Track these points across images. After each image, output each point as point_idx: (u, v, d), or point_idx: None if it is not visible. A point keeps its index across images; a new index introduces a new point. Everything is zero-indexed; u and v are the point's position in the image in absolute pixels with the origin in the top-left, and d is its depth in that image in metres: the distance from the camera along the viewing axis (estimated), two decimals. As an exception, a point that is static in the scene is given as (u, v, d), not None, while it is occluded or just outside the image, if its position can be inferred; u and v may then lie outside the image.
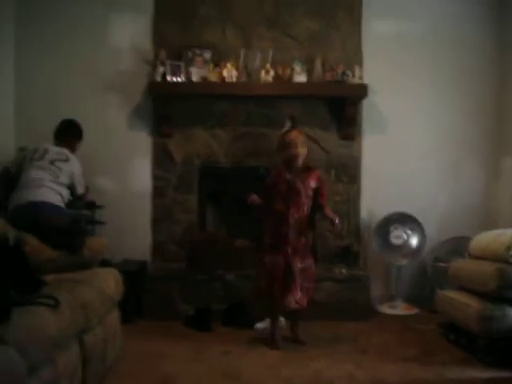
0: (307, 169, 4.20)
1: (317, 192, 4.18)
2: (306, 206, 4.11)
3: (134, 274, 4.83)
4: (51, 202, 4.24)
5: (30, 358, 2.16)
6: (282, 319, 4.57)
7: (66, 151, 4.57)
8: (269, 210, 4.15)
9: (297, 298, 4.07)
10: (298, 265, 4.08)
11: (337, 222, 4.15)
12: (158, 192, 5.43)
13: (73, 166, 4.53)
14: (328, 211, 4.23)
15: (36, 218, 4.03)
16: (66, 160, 4.50)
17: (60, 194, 4.36)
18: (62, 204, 4.35)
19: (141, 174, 5.44)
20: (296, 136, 4.14)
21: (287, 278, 4.04)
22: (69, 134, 4.77)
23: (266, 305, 4.26)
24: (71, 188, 4.51)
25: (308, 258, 4.19)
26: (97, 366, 3.12)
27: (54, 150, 4.51)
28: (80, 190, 4.61)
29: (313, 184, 4.15)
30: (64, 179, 4.42)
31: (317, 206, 4.21)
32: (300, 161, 4.12)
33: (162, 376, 3.48)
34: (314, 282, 4.23)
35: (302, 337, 4.23)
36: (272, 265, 4.08)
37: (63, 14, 5.39)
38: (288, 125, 4.30)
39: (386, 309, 5.25)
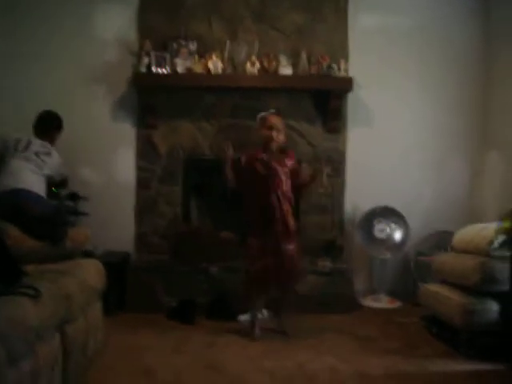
0: (282, 150, 4.27)
1: (295, 173, 4.27)
2: (284, 183, 4.15)
3: (116, 266, 4.81)
4: (34, 191, 4.24)
5: (10, 349, 2.13)
6: (265, 312, 4.58)
7: (47, 144, 4.59)
8: (250, 192, 4.20)
9: (283, 277, 4.17)
10: (285, 246, 4.12)
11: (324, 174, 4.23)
12: (142, 183, 5.41)
13: (54, 159, 4.57)
14: (310, 175, 4.36)
15: (18, 205, 4.03)
16: (49, 153, 4.53)
17: (43, 185, 4.38)
18: (44, 195, 4.37)
19: (125, 166, 5.42)
20: (275, 121, 4.21)
21: (276, 258, 4.10)
22: (48, 126, 4.76)
23: (255, 293, 4.26)
24: (50, 180, 4.57)
25: (293, 242, 4.21)
26: (78, 358, 3.08)
27: (38, 143, 4.52)
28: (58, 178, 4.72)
29: (289, 163, 4.22)
30: (47, 171, 4.46)
31: (299, 185, 4.32)
32: (274, 145, 4.18)
33: (144, 368, 3.46)
34: (299, 264, 4.28)
35: (286, 329, 4.24)
36: (258, 250, 4.12)
37: (48, 4, 5.35)
38: (271, 110, 4.33)
39: (369, 302, 5.27)
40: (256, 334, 4.16)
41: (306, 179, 4.34)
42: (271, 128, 4.17)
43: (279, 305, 4.30)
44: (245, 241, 4.29)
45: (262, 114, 4.32)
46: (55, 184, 4.70)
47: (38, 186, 4.31)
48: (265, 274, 4.12)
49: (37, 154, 4.43)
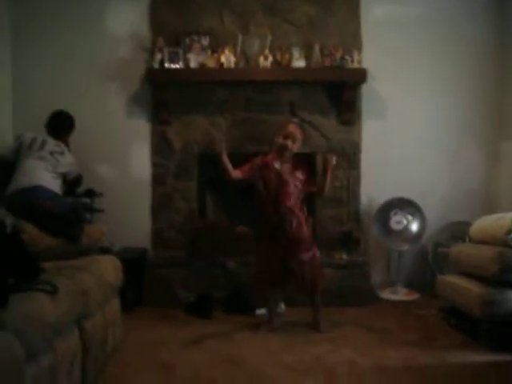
0: (297, 161, 4.22)
1: (309, 183, 4.25)
2: (294, 195, 4.12)
3: (134, 262, 4.83)
4: (50, 189, 4.29)
5: (28, 345, 2.15)
6: (282, 305, 4.58)
7: (61, 144, 4.65)
8: (258, 199, 4.19)
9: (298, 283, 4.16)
10: (298, 257, 4.09)
11: (334, 159, 4.18)
12: (157, 179, 5.41)
13: (68, 158, 4.63)
14: (322, 171, 4.37)
15: (33, 203, 4.08)
16: (62, 153, 4.58)
17: (58, 183, 4.44)
18: (59, 192, 4.43)
19: (140, 162, 5.43)
20: (293, 130, 4.15)
21: (285, 268, 4.12)
22: (61, 126, 4.79)
23: (263, 291, 4.31)
24: (65, 178, 4.63)
25: (311, 249, 4.17)
26: (97, 354, 3.11)
27: (53, 143, 4.57)
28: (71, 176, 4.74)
29: (300, 175, 4.18)
30: (61, 170, 4.52)
31: (316, 192, 4.30)
32: (288, 154, 4.13)
33: (163, 363, 3.47)
34: (318, 271, 4.20)
35: (321, 325, 4.22)
36: (268, 253, 4.14)
37: (60, 1, 5.36)
38: (294, 119, 4.36)
39: (387, 294, 5.24)
40: (272, 326, 4.20)
41: (322, 184, 4.25)
42: (287, 137, 4.10)
43: (310, 299, 4.27)
44: (257, 240, 4.34)
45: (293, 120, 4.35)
46: (70, 183, 4.73)
47: (53, 183, 4.37)
48: (269, 278, 4.16)
49: (51, 153, 4.49)
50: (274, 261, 4.11)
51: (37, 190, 4.21)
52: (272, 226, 4.10)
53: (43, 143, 4.50)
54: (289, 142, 4.09)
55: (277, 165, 4.13)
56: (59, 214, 4.12)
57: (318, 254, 4.21)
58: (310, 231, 4.28)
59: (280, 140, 4.11)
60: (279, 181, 4.09)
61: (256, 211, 4.22)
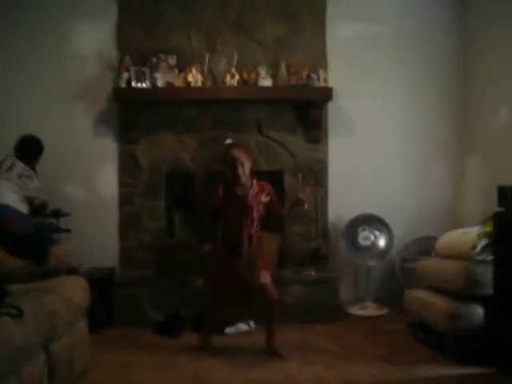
0: (257, 184, 4.13)
1: (272, 207, 4.17)
2: (256, 220, 4.08)
3: (102, 282, 4.79)
4: (16, 209, 4.31)
5: (-7, 369, 2.13)
6: (252, 323, 4.59)
7: (29, 169, 4.66)
8: (221, 223, 4.17)
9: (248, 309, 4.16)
10: (252, 277, 4.03)
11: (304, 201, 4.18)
12: (124, 199, 5.39)
13: (35, 183, 4.65)
14: (290, 205, 4.36)
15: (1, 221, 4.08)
16: (30, 177, 4.61)
17: (24, 205, 4.46)
18: (25, 213, 4.43)
19: (107, 181, 5.40)
20: (237, 155, 4.07)
21: (237, 291, 4.05)
22: (30, 151, 4.78)
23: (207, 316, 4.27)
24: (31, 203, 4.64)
25: (262, 270, 4.08)
26: (64, 376, 3.08)
27: (21, 166, 4.58)
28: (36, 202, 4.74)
29: (264, 199, 4.11)
30: (28, 193, 4.55)
31: (277, 216, 4.26)
32: (242, 180, 4.05)
33: (132, 384, 3.46)
34: (271, 295, 4.03)
35: (278, 348, 4.07)
36: (220, 278, 4.10)
37: (26, 23, 5.34)
38: (228, 140, 4.35)
39: (355, 310, 5.27)
40: (210, 348, 4.17)
41: (285, 211, 4.32)
42: (234, 165, 4.02)
43: (266, 327, 4.14)
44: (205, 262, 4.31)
45: (226, 141, 4.33)
46: (35, 208, 4.71)
47: (19, 205, 4.38)
48: (221, 301, 4.11)
49: (19, 176, 4.51)
50: (225, 282, 4.05)
51: (3, 209, 4.21)
52: (230, 248, 4.07)
53: (11, 165, 4.51)
54: (239, 170, 4.02)
55: (239, 192, 4.05)
56: (25, 234, 4.11)
57: (267, 274, 4.10)
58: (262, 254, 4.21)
59: (229, 169, 4.06)
60: (242, 206, 4.02)
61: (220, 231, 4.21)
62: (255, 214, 4.06)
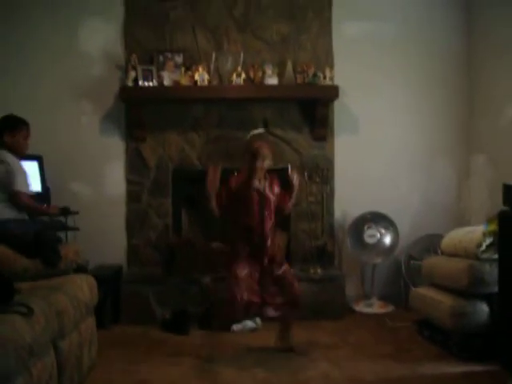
0: (267, 175, 4.08)
1: (282, 200, 4.13)
2: (272, 213, 4.04)
3: (109, 279, 4.83)
4: (4, 218, 3.92)
5: (3, 367, 2.16)
6: (258, 320, 4.61)
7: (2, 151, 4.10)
8: (236, 219, 4.05)
9: (274, 306, 3.99)
10: (274, 273, 3.99)
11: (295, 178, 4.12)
12: (132, 196, 5.43)
13: (6, 166, 4.00)
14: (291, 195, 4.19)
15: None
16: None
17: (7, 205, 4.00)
18: (14, 213, 4.01)
19: (115, 179, 5.44)
20: (260, 147, 4.01)
21: (263, 288, 3.95)
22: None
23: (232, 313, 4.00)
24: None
25: (284, 264, 4.09)
26: (72, 373, 3.11)
27: None
28: (15, 187, 4.00)
29: (277, 190, 4.10)
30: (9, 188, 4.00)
31: (285, 209, 4.21)
32: (260, 173, 4.00)
33: (139, 381, 3.49)
34: (294, 285, 4.01)
35: (293, 343, 4.09)
36: (244, 275, 3.93)
37: (33, 22, 5.38)
38: (260, 128, 4.23)
39: (361, 307, 5.29)
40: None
41: (289, 205, 4.24)
42: (256, 156, 3.96)
43: (283, 326, 4.14)
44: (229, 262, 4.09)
45: (253, 132, 4.24)
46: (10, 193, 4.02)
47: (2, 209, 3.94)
48: (244, 305, 3.87)
49: None
50: (250, 282, 3.92)
51: None
52: (251, 246, 3.98)
53: None
54: (259, 162, 3.96)
55: (257, 185, 4.01)
56: (26, 238, 3.79)
57: (288, 268, 4.12)
58: (282, 246, 4.16)
59: (250, 159, 3.99)
60: (262, 199, 3.99)
61: (231, 230, 4.13)
62: (272, 207, 4.03)
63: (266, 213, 4.00)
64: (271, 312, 3.98)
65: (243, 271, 3.92)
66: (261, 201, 4.00)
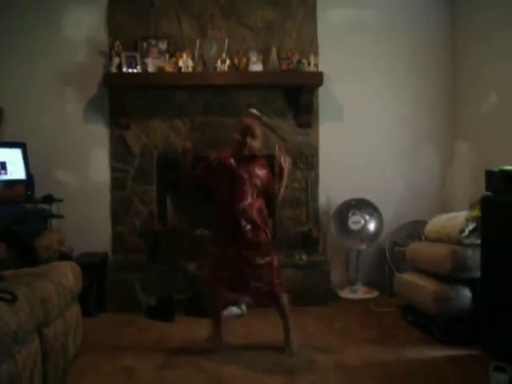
0: (252, 157, 3.81)
1: (270, 185, 3.90)
2: (250, 194, 3.75)
3: (94, 267, 4.82)
4: None
5: (-13, 354, 2.16)
6: (243, 307, 4.62)
7: None
8: (214, 197, 3.84)
9: (249, 294, 3.95)
10: (256, 261, 3.71)
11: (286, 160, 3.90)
12: (116, 184, 5.41)
13: None
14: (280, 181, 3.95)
15: None
16: None
17: None
18: None
19: (99, 166, 5.41)
20: (251, 124, 3.76)
21: (237, 274, 3.74)
22: None
23: (212, 296, 3.90)
24: None
25: (269, 254, 3.77)
26: (57, 360, 3.11)
27: None
28: None
29: (260, 173, 3.82)
30: None
31: (271, 195, 3.94)
32: (246, 150, 3.73)
33: (125, 368, 3.50)
34: (274, 278, 3.78)
35: (292, 344, 3.84)
36: (220, 259, 3.79)
37: (15, 9, 5.31)
38: (254, 110, 4.07)
39: (346, 293, 5.32)
40: (214, 344, 3.88)
41: (280, 191, 3.93)
42: (245, 132, 3.72)
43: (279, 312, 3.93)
44: (212, 242, 3.99)
45: (250, 110, 4.06)
46: None
47: None
48: (219, 287, 3.79)
49: None
50: (224, 265, 3.76)
51: None
52: (227, 228, 3.75)
53: None
54: (247, 138, 3.71)
55: (232, 161, 3.76)
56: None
57: (276, 260, 3.82)
58: (268, 236, 3.84)
59: (237, 135, 3.75)
60: (233, 178, 3.73)
61: (215, 214, 3.93)
62: (247, 187, 3.74)
63: (238, 195, 3.72)
64: (247, 299, 3.98)
65: (218, 252, 3.82)
66: (232, 179, 3.74)
